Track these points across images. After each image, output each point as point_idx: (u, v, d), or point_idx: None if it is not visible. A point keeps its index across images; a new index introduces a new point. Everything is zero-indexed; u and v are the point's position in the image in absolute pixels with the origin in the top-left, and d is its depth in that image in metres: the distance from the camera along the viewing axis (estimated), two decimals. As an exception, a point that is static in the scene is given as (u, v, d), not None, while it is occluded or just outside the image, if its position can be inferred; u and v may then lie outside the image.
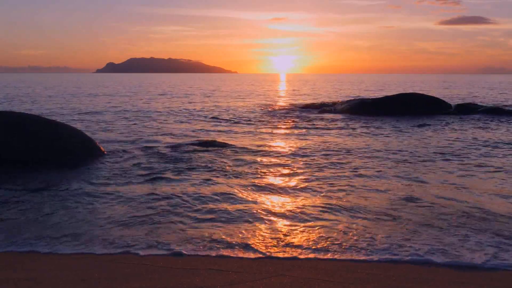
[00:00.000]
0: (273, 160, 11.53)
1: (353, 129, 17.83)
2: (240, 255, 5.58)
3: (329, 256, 5.55)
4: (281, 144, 14.12)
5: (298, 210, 7.37)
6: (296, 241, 6.03)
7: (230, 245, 5.88)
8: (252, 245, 5.87)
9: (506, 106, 27.41)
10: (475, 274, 5.05)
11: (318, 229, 6.49)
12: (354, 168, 10.43)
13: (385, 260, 5.41)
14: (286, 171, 10.21)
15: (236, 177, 9.53)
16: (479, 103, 27.65)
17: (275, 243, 5.96)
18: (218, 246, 5.86)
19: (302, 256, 5.52)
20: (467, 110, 23.67)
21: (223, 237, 6.17)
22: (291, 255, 5.55)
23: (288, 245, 5.91)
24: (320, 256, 5.55)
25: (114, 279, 4.73)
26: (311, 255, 5.56)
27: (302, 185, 8.92)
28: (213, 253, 5.60)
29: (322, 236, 6.19)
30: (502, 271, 5.13)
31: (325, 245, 5.90)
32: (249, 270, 5.00)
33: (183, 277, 4.77)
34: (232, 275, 4.84)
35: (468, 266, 5.30)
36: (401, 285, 4.66)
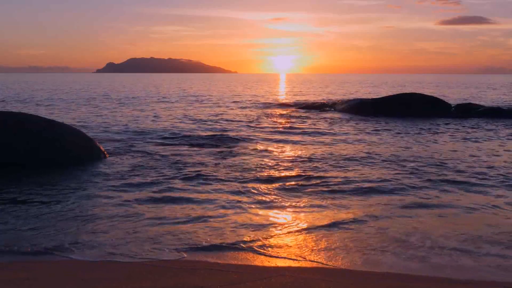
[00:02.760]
0: (274, 163, 11.52)
1: (353, 130, 17.83)
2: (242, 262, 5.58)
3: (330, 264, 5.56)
4: (282, 146, 14.12)
5: (306, 218, 7.37)
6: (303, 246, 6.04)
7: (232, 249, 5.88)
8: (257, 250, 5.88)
9: (505, 106, 27.43)
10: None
11: (321, 236, 6.50)
12: (357, 172, 10.43)
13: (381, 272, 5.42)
14: (288, 175, 10.19)
15: (238, 181, 9.49)
16: (479, 103, 27.65)
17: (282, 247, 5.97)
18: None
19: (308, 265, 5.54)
20: (467, 110, 23.64)
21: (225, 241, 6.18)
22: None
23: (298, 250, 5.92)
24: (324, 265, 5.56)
25: (114, 279, 4.73)
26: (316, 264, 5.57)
27: (308, 191, 8.87)
28: (214, 259, 5.56)
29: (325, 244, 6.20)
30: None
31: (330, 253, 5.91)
32: (249, 270, 5.00)
33: (183, 277, 4.77)
34: (232, 275, 4.84)
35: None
36: None
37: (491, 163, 11.07)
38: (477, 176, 9.74)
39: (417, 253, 5.64)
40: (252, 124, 19.41)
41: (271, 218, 7.02)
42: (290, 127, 18.45)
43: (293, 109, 27.23)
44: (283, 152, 12.74)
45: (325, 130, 17.48)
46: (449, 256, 5.55)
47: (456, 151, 12.95)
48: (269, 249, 5.77)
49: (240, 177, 9.56)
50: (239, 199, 7.99)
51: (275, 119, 21.53)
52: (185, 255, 5.56)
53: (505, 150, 13.12)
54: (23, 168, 10.17)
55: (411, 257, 5.52)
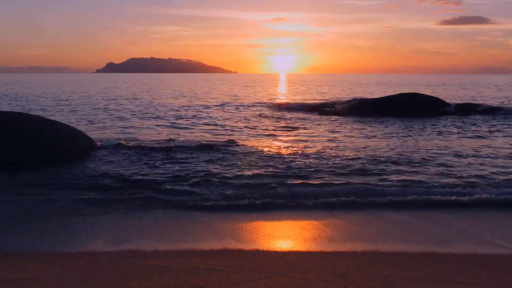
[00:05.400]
0: (272, 163, 11.50)
1: (353, 129, 17.83)
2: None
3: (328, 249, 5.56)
4: (280, 147, 14.11)
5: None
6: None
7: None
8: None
9: (504, 105, 27.50)
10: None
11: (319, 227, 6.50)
12: (353, 170, 10.43)
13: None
14: (286, 175, 10.18)
15: (235, 181, 9.48)
16: (478, 103, 27.70)
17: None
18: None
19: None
20: (467, 109, 23.72)
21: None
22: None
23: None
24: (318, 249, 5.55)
25: (114, 279, 4.73)
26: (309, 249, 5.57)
27: (307, 189, 8.89)
28: (214, 259, 5.59)
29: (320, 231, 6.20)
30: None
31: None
32: (249, 270, 4.99)
33: (183, 277, 4.76)
34: (232, 275, 4.83)
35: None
36: (401, 279, 4.66)
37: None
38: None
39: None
40: (250, 125, 19.36)
41: (270, 218, 7.02)
42: (289, 128, 18.43)
43: (292, 109, 27.18)
44: (281, 152, 12.72)
45: (324, 130, 17.47)
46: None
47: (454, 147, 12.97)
48: (269, 249, 5.77)
49: (236, 177, 9.55)
50: (236, 199, 8.00)
51: (273, 120, 21.49)
52: (184, 254, 5.56)
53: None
54: (23, 167, 10.17)
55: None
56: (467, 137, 15.69)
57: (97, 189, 8.58)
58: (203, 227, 6.68)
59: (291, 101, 33.59)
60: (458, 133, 16.82)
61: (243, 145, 13.70)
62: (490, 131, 17.33)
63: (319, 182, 9.17)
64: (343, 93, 48.61)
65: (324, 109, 25.88)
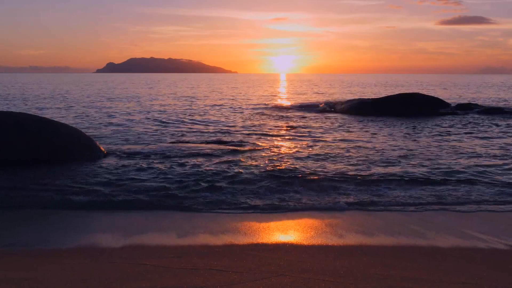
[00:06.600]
0: (271, 164, 11.51)
1: (353, 130, 17.83)
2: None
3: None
4: (280, 148, 14.11)
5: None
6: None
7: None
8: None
9: (504, 105, 27.53)
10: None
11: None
12: (352, 168, 10.43)
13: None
14: (286, 176, 10.18)
15: (234, 183, 9.51)
16: (478, 103, 27.73)
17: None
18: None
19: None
20: (466, 109, 23.81)
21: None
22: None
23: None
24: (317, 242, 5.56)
25: (114, 279, 4.72)
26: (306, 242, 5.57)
27: (305, 191, 8.90)
28: (214, 259, 5.59)
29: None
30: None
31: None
32: (249, 270, 4.99)
33: (183, 277, 4.76)
34: (232, 275, 4.83)
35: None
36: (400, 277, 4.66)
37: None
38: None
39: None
40: (250, 125, 19.35)
41: (270, 219, 7.02)
42: (289, 128, 18.43)
43: (292, 109, 27.19)
44: (281, 152, 12.73)
45: (324, 130, 17.47)
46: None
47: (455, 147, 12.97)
48: (269, 249, 5.77)
49: (237, 178, 9.56)
50: (236, 200, 8.00)
51: (273, 121, 21.49)
52: (184, 254, 5.56)
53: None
54: (23, 167, 10.17)
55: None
56: (467, 137, 15.69)
57: (97, 189, 8.59)
58: (204, 227, 6.69)
59: (291, 101, 33.58)
60: (458, 133, 16.82)
61: (243, 145, 13.69)
62: (490, 131, 17.33)
63: (319, 182, 9.17)
64: (343, 93, 48.62)
65: (324, 109, 25.90)
